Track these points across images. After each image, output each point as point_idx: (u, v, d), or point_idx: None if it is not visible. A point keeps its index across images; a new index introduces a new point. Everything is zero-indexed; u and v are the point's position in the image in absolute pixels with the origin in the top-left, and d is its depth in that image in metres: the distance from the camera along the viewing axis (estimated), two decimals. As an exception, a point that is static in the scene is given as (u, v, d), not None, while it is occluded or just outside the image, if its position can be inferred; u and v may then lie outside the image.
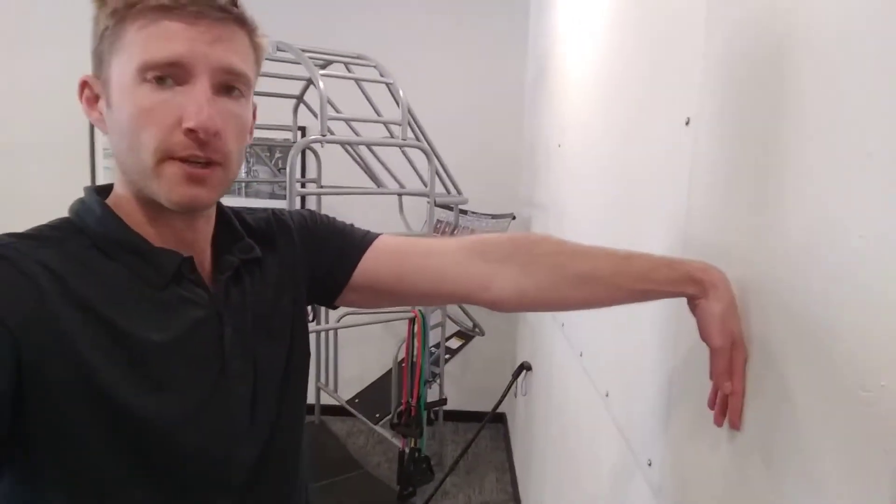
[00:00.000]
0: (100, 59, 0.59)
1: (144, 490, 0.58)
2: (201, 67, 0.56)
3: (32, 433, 0.53)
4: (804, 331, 0.55)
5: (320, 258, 0.76)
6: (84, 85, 0.61)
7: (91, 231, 0.60)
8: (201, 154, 0.57)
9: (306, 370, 0.75)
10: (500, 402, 2.71)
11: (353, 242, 0.77)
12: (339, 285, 0.76)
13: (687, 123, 0.86)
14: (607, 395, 1.25)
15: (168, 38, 0.55)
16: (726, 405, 0.68)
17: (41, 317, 0.53)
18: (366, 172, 2.92)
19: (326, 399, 3.22)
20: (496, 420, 3.39)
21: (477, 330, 3.16)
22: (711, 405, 0.70)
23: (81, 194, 0.64)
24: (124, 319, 0.57)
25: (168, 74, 0.55)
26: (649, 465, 0.94)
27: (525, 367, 2.62)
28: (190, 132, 0.56)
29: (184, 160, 0.57)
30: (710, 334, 0.66)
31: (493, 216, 2.94)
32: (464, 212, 2.92)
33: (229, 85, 0.59)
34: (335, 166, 3.08)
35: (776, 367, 0.60)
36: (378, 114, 2.58)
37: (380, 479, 2.75)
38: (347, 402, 2.85)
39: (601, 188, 1.41)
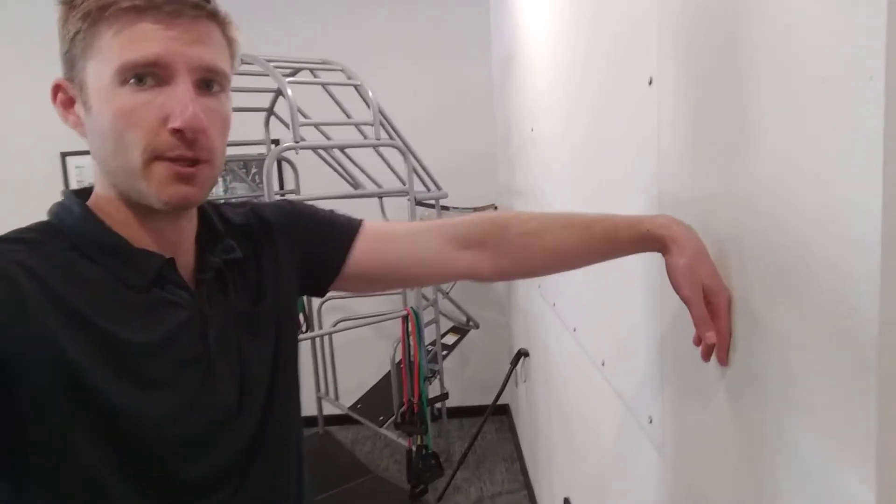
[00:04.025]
0: (72, 63, 0.58)
1: (136, 489, 0.58)
2: (181, 67, 0.56)
3: (18, 435, 0.53)
4: (782, 267, 0.56)
5: (307, 249, 0.76)
6: (57, 88, 0.60)
7: (70, 231, 0.60)
8: (189, 153, 0.57)
9: (296, 361, 0.75)
10: (500, 392, 2.72)
11: (341, 232, 0.78)
12: (330, 275, 0.77)
13: (650, 83, 0.87)
14: (603, 364, 1.26)
15: (146, 39, 0.54)
16: (711, 347, 0.69)
17: (23, 319, 0.52)
18: (344, 178, 2.92)
19: (329, 409, 3.21)
20: (500, 412, 3.40)
21: (471, 323, 3.17)
22: (697, 343, 0.70)
23: None
24: (108, 322, 0.56)
25: (148, 75, 0.55)
26: (650, 422, 0.96)
27: (522, 353, 2.63)
28: (176, 132, 0.56)
29: (172, 160, 0.57)
30: (679, 286, 0.67)
31: (475, 209, 2.95)
32: (445, 208, 2.92)
33: (209, 80, 0.59)
34: (313, 176, 3.07)
35: (759, 307, 0.61)
36: (348, 116, 2.59)
37: (390, 480, 2.75)
38: (350, 408, 2.85)
39: (576, 162, 1.42)
